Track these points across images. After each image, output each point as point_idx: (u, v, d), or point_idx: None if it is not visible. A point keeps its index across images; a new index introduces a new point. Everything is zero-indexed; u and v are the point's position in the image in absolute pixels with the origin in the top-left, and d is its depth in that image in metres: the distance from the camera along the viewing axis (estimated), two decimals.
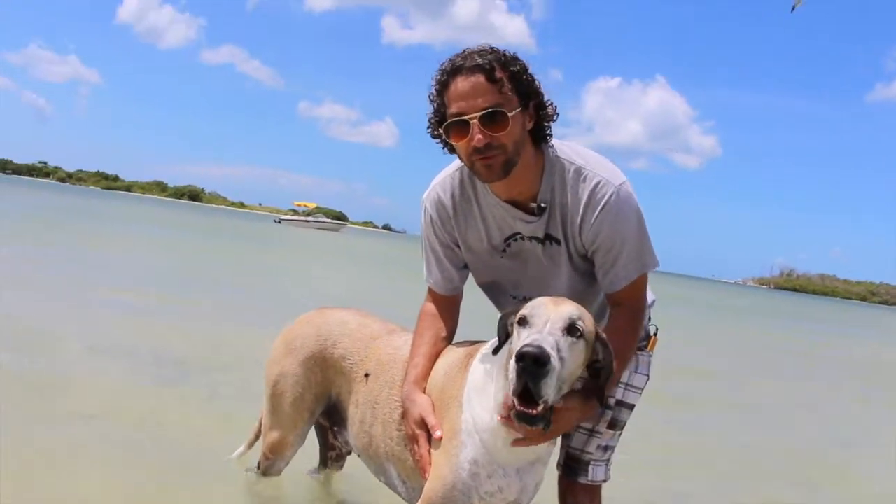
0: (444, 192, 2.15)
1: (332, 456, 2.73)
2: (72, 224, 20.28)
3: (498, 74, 1.90)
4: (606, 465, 2.20)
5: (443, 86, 1.95)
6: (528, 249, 2.10)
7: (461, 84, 1.90)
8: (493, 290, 2.27)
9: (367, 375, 2.26)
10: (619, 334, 2.00)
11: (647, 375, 2.23)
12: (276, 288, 10.81)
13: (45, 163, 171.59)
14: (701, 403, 6.37)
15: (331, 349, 2.36)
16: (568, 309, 1.78)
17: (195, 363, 4.86)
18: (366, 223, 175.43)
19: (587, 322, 1.80)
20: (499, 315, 1.99)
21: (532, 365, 1.64)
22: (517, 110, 1.92)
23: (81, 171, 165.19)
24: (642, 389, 2.22)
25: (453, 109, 1.92)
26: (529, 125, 1.97)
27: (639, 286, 2.07)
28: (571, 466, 2.18)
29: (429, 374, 2.09)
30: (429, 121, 2.03)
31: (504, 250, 2.13)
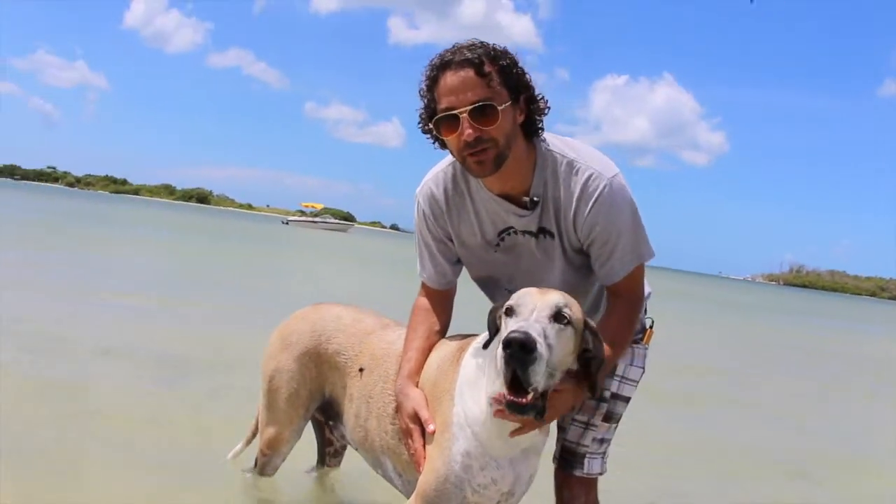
0: (436, 186, 2.16)
1: (329, 451, 2.75)
2: (75, 228, 20.32)
3: (487, 68, 1.89)
4: (602, 457, 2.20)
5: (432, 81, 1.95)
6: (522, 243, 2.10)
7: (450, 79, 1.90)
8: (487, 285, 2.28)
9: (361, 370, 2.27)
10: (616, 324, 2.02)
11: (643, 368, 2.23)
12: (281, 289, 10.80)
13: (54, 168, 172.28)
14: (702, 400, 6.34)
15: (325, 344, 2.37)
16: (554, 297, 1.79)
17: (197, 365, 4.87)
18: (374, 223, 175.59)
19: (574, 310, 1.80)
20: None
21: (519, 351, 1.64)
22: (507, 104, 1.91)
23: (90, 175, 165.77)
24: (638, 382, 2.22)
25: (443, 104, 1.92)
26: (520, 119, 1.97)
27: (636, 277, 2.07)
28: (567, 459, 2.18)
29: (422, 368, 2.09)
30: (419, 116, 2.04)
31: (498, 244, 2.13)
